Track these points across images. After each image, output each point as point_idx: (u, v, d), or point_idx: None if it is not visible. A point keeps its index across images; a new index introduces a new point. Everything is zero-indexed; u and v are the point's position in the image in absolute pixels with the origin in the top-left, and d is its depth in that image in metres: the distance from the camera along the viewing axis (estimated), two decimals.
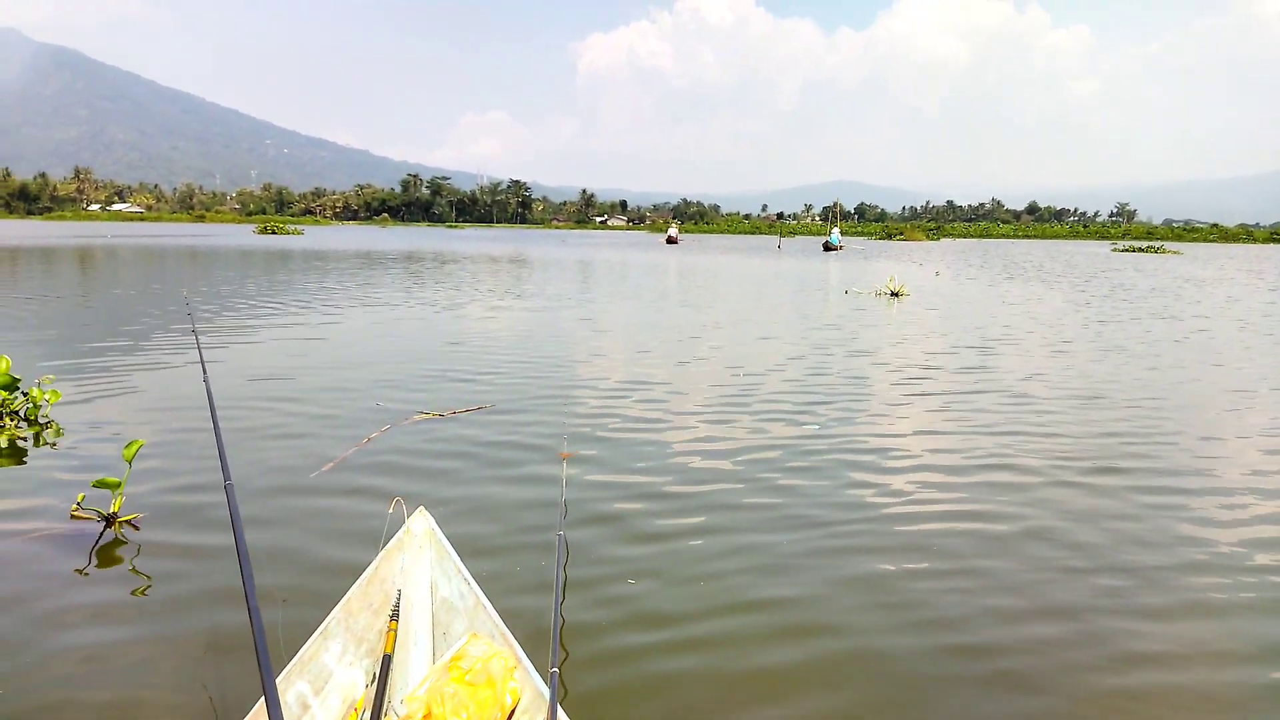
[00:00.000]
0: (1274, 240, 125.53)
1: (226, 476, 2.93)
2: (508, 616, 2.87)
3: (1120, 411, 8.36)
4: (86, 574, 4.24)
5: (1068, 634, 3.81)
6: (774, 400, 8.66)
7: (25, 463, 6.05)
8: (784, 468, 6.25)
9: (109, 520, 4.79)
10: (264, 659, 2.13)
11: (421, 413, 7.66)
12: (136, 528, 4.82)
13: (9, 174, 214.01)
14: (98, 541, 4.59)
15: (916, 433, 7.41)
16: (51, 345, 11.38)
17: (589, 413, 7.88)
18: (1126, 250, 73.58)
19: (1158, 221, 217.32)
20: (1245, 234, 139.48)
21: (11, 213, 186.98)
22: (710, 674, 3.45)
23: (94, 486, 4.72)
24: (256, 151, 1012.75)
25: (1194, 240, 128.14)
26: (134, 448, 4.91)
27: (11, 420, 6.88)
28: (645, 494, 5.57)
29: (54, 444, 6.49)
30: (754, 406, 8.35)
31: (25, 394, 7.10)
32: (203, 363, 4.76)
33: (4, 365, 6.98)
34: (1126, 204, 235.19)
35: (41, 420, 7.03)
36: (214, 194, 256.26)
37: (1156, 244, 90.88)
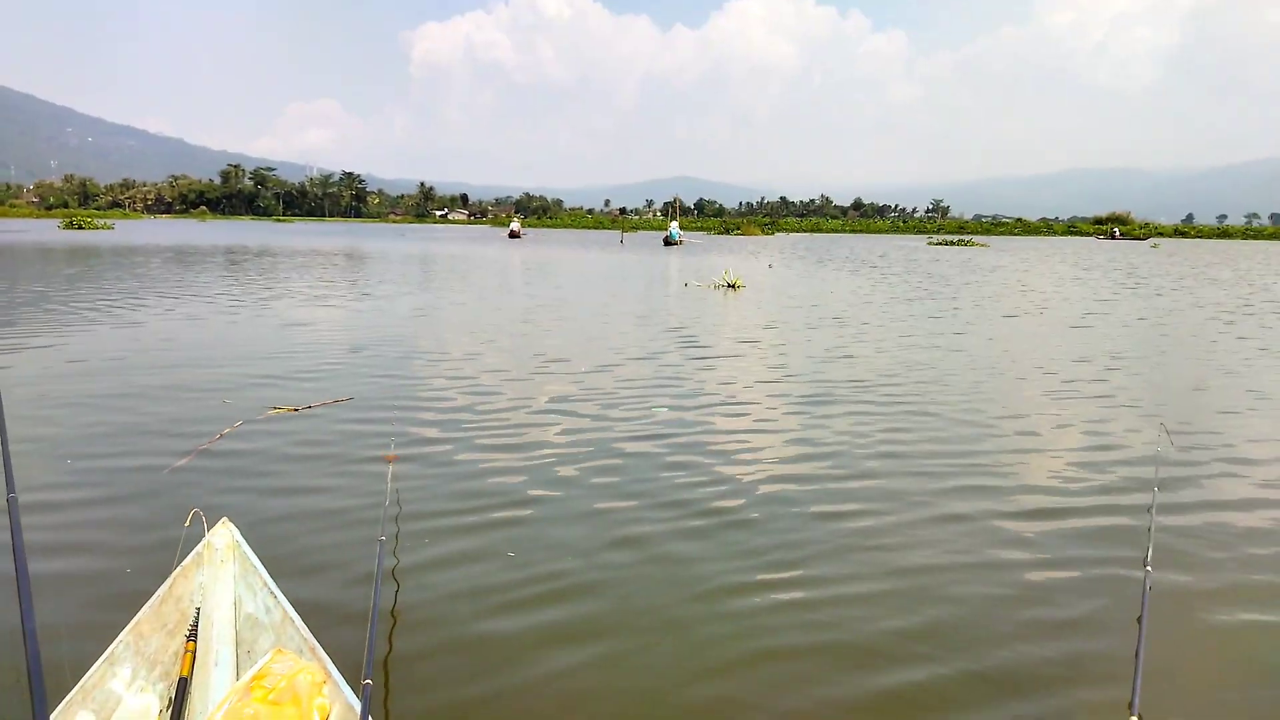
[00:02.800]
0: (1071, 233, 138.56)
1: (10, 489, 2.72)
2: (327, 630, 2.75)
3: (907, 370, 9.32)
4: None
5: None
6: (614, 391, 9.00)
7: None
8: (623, 456, 6.44)
9: None
10: (37, 688, 2.01)
11: (275, 408, 7.55)
12: None
13: None
14: None
15: (756, 410, 7.96)
16: None
17: (424, 410, 7.80)
18: (940, 244, 79.28)
19: (969, 216, 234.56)
20: (1046, 227, 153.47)
21: None
22: (530, 687, 3.37)
23: None
24: (57, 140, 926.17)
25: (1001, 234, 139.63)
26: None
27: None
28: (472, 494, 5.48)
29: None
30: (597, 398, 8.62)
31: None
32: None
33: None
34: (941, 200, 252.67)
35: None
36: (8, 186, 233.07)
37: (967, 237, 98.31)
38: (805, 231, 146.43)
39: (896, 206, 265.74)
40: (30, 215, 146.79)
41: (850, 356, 11.51)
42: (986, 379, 10.03)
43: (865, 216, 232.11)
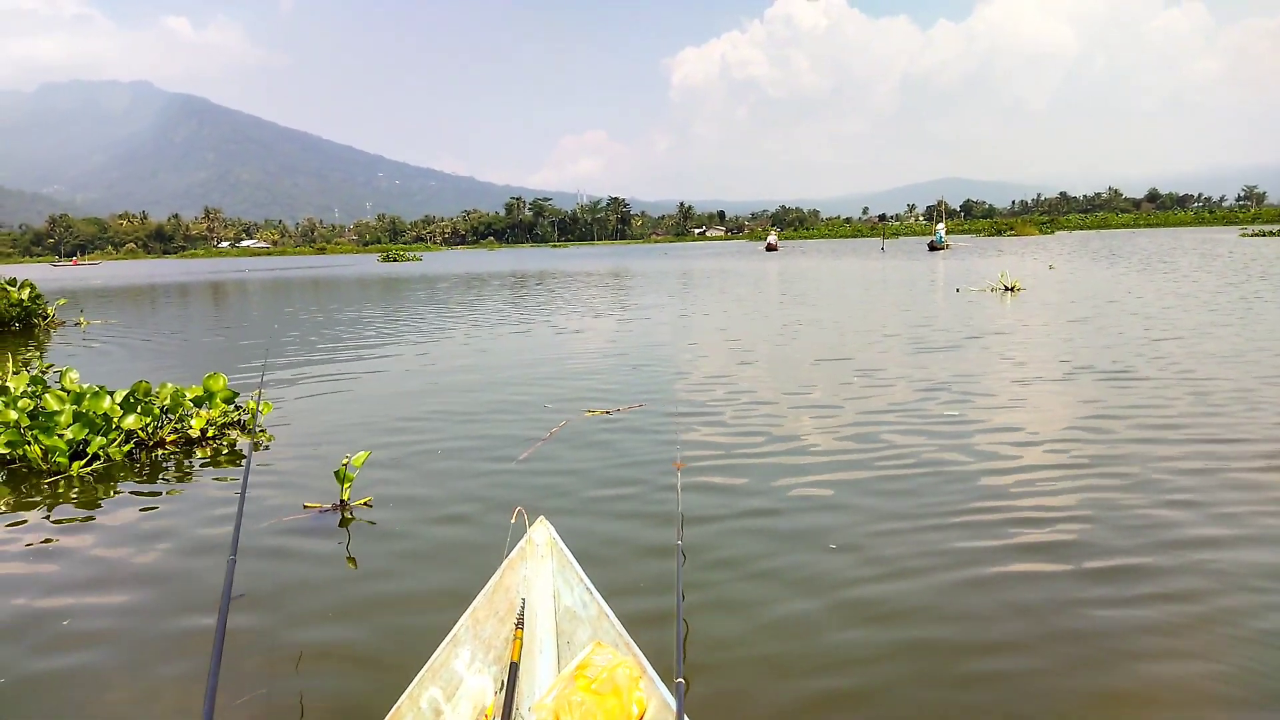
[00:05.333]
0: None
1: (233, 552, 2.92)
2: (630, 626, 2.90)
3: (1224, 387, 8.57)
4: (305, 557, 5.09)
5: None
6: (895, 391, 9.10)
7: (254, 466, 7.10)
8: (902, 466, 6.33)
9: (341, 506, 5.80)
10: (211, 696, 2.26)
11: (590, 410, 8.61)
12: (370, 505, 5.85)
13: (146, 217, 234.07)
14: (334, 526, 5.60)
15: (1047, 418, 7.76)
16: (238, 365, 12.84)
17: (705, 414, 8.32)
18: (1257, 235, 69.42)
19: None
20: None
21: (149, 253, 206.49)
22: (835, 683, 3.42)
23: (336, 478, 5.75)
24: (370, 184, 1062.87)
25: None
26: (362, 457, 5.90)
27: (233, 430, 8.11)
28: (765, 496, 5.69)
29: (270, 448, 7.66)
30: (877, 399, 8.81)
31: (239, 407, 8.33)
32: (258, 401, 5.37)
33: (222, 381, 8.22)
34: (1255, 186, 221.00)
35: (258, 429, 8.23)
36: (333, 227, 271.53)
37: None
38: (1090, 229, 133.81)
39: (1200, 196, 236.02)
40: (351, 251, 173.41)
41: (1153, 357, 10.67)
42: None
43: (1162, 209, 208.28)
